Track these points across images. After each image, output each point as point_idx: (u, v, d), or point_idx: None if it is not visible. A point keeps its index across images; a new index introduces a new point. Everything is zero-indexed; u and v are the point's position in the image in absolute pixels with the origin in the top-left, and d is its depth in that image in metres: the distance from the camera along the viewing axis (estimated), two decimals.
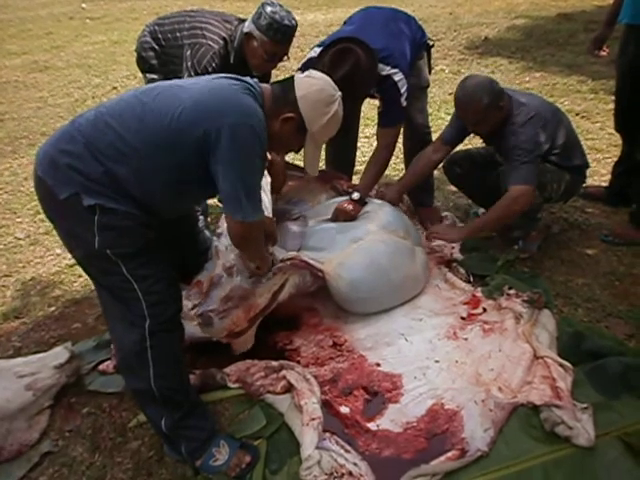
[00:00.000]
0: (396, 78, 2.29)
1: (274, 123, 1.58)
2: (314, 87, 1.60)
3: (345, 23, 2.61)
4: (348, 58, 2.15)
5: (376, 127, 2.58)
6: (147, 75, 2.62)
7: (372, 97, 2.50)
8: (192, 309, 1.97)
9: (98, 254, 1.45)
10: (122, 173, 1.43)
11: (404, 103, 2.36)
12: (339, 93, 1.67)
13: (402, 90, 2.31)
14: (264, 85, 1.62)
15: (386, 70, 2.28)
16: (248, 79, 1.59)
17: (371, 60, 2.20)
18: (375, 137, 3.99)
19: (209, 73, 2.27)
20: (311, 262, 2.08)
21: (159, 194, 1.51)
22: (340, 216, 2.37)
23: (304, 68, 2.23)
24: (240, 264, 2.02)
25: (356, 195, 2.39)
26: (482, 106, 2.22)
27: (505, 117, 2.28)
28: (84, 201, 1.40)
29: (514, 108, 2.29)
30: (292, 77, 1.64)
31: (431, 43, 2.63)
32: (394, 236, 2.26)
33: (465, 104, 2.28)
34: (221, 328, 1.91)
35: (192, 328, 1.95)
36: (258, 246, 1.76)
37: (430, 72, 2.71)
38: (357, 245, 2.19)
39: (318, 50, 2.31)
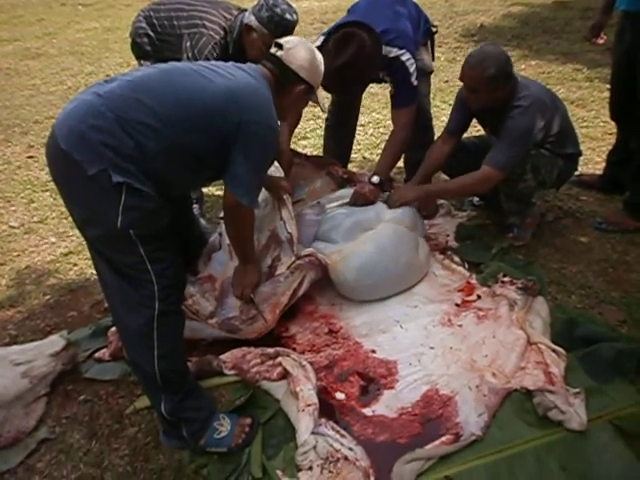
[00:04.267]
0: (404, 58, 2.30)
1: (285, 98, 1.77)
2: (300, 54, 1.76)
3: (349, 12, 2.60)
4: (352, 42, 2.15)
5: (386, 111, 2.59)
6: (142, 62, 2.60)
7: (382, 81, 2.50)
8: (210, 317, 1.99)
9: (119, 233, 1.45)
10: (151, 148, 1.45)
11: (415, 82, 2.36)
12: (309, 42, 1.86)
13: (411, 69, 2.32)
14: (261, 67, 1.76)
15: (393, 52, 2.29)
16: (256, 65, 1.75)
17: (375, 43, 2.20)
18: (370, 125, 4.03)
19: None
20: (321, 257, 2.13)
21: (179, 173, 1.58)
22: (359, 200, 2.37)
23: None
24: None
25: (375, 179, 2.38)
26: (484, 76, 2.17)
27: (505, 99, 2.26)
28: (113, 178, 1.39)
29: (518, 92, 2.25)
30: (275, 55, 1.76)
31: (434, 30, 2.63)
32: (402, 227, 2.29)
33: (471, 65, 2.21)
34: (251, 331, 1.97)
35: (215, 332, 2.00)
36: (245, 233, 1.87)
37: (433, 59, 2.71)
38: (366, 235, 2.23)
39: (322, 39, 2.30)
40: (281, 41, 1.77)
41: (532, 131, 2.25)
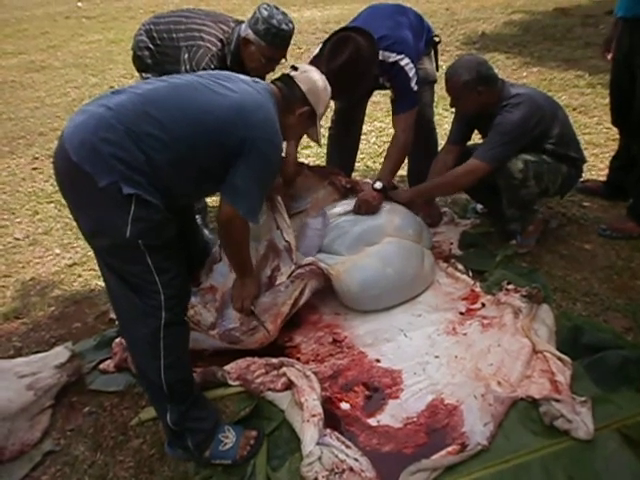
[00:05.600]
0: (402, 63, 2.31)
1: (289, 117, 1.81)
2: (313, 79, 1.86)
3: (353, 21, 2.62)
4: (347, 46, 2.18)
5: (388, 119, 2.59)
6: (143, 74, 2.61)
7: (383, 87, 2.51)
8: (211, 328, 2.00)
9: (127, 243, 1.46)
10: (159, 160, 1.48)
11: (415, 87, 2.37)
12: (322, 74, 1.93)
13: (410, 74, 2.33)
14: (269, 84, 1.81)
15: (392, 57, 2.31)
16: (264, 82, 1.80)
17: (371, 46, 2.22)
18: (372, 133, 4.04)
19: None
20: (323, 267, 2.13)
21: (184, 184, 1.60)
22: (362, 207, 2.36)
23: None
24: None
25: (378, 184, 2.37)
26: (459, 83, 2.29)
27: (494, 103, 2.33)
28: (123, 190, 1.41)
29: (505, 96, 2.32)
30: (289, 75, 1.84)
31: (437, 39, 2.64)
32: (407, 239, 2.30)
33: (448, 77, 2.35)
34: (252, 342, 1.98)
35: (217, 343, 2.00)
36: (241, 247, 1.86)
37: (437, 68, 2.72)
38: (371, 249, 2.23)
39: (320, 46, 2.34)
40: (297, 65, 1.88)
41: (521, 126, 2.28)
